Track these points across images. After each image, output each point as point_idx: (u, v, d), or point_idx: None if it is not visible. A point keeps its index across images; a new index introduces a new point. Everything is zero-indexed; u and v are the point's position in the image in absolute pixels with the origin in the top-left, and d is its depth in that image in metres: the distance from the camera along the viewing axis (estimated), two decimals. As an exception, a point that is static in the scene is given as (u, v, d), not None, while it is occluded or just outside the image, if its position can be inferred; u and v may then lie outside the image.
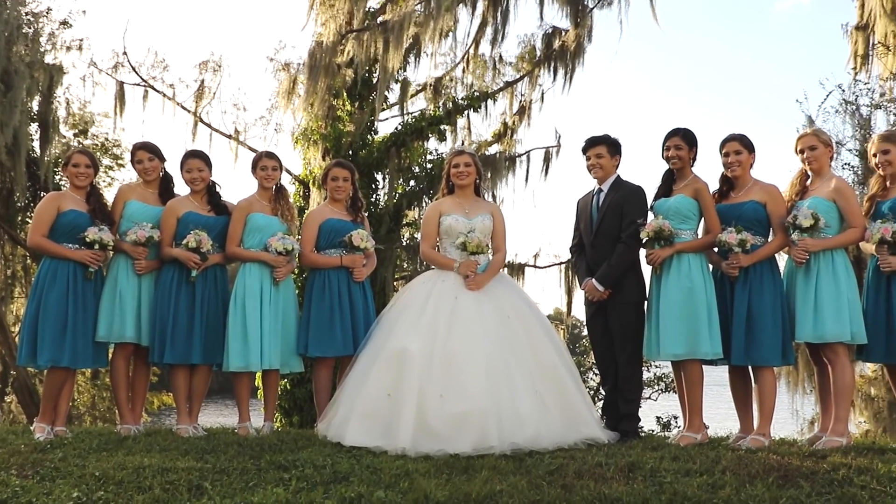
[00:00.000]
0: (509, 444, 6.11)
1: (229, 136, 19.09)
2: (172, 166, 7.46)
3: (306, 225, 7.43)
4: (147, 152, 7.38)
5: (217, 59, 19.63)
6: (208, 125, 19.10)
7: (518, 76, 19.04)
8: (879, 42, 14.72)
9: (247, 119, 21.84)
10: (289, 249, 7.16)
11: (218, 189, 7.44)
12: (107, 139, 21.64)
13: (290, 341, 7.27)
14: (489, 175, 17.88)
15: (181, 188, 7.46)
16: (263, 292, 7.15)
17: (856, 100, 15.62)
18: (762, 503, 4.77)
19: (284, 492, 5.08)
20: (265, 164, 7.43)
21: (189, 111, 19.09)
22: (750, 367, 6.65)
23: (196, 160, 7.35)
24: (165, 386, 20.92)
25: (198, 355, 7.08)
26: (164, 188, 7.43)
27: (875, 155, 6.72)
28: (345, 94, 18.06)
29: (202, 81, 19.28)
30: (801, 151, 6.74)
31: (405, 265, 19.39)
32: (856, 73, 15.45)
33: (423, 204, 18.26)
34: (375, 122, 18.50)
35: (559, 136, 19.03)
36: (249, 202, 7.36)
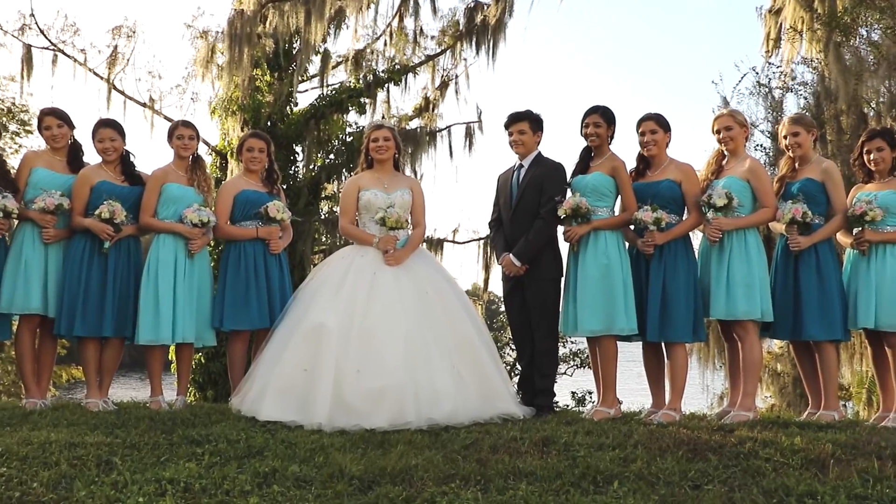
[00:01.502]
0: (426, 419, 6.12)
1: (144, 105, 18.63)
2: (84, 134, 7.25)
3: (220, 196, 7.30)
4: (55, 118, 7.13)
5: (131, 25, 19.13)
6: (122, 93, 18.61)
7: (440, 50, 18.99)
8: (790, 27, 15.06)
9: (162, 87, 21.30)
10: (204, 221, 7.01)
11: (132, 159, 7.24)
12: (13, 104, 20.94)
13: (205, 314, 7.15)
14: (410, 150, 17.84)
15: (91, 157, 7.25)
16: (178, 264, 7.01)
17: (768, 82, 15.99)
18: (672, 476, 4.86)
19: (197, 466, 5.00)
20: (181, 133, 7.25)
21: (102, 78, 18.56)
22: (663, 344, 6.77)
23: (108, 129, 7.14)
24: (75, 359, 20.45)
25: (109, 328, 6.90)
26: (73, 156, 7.19)
27: (785, 137, 6.89)
28: (264, 64, 17.79)
29: (115, 47, 18.76)
30: (718, 132, 6.86)
31: (324, 239, 19.25)
32: (768, 57, 15.80)
33: (343, 177, 18.14)
34: (295, 94, 18.27)
35: (480, 112, 19.09)
36: (165, 172, 7.19)
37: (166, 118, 18.32)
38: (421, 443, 5.61)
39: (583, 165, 6.98)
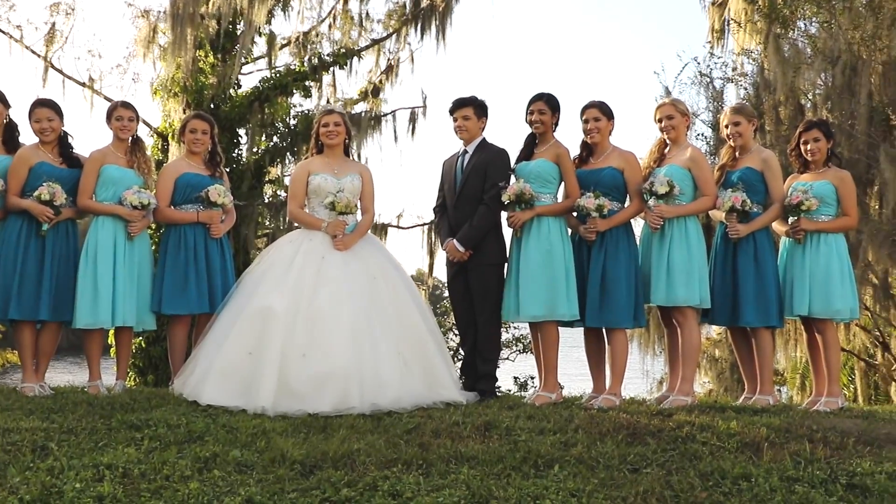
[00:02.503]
0: (370, 404, 6.13)
1: (83, 84, 18.22)
2: (20, 114, 7.07)
3: (161, 178, 7.20)
4: (-13, 97, 6.97)
5: (70, 2, 18.66)
6: (60, 71, 18.16)
7: (386, 34, 18.89)
8: (733, 19, 15.28)
9: (102, 67, 20.95)
10: (144, 204, 6.91)
11: (70, 140, 7.10)
12: (-55, 82, 20.34)
13: (145, 298, 7.05)
14: (354, 134, 17.76)
15: (27, 137, 7.09)
16: (117, 247, 6.90)
17: (710, 73, 16.20)
18: (611, 459, 4.92)
19: (136, 451, 4.94)
20: (120, 114, 7.13)
21: (39, 55, 18.10)
22: (604, 329, 6.85)
23: (45, 109, 6.98)
24: (10, 343, 20.05)
25: (46, 311, 6.76)
26: (9, 136, 7.02)
27: (727, 126, 7.00)
28: (207, 45, 17.54)
29: (53, 24, 18.29)
30: (660, 120, 6.93)
31: (267, 223, 19.09)
32: (711, 48, 16.00)
33: (287, 161, 18.00)
34: (239, 77, 18.05)
35: (425, 97, 19.03)
36: (103, 153, 7.06)
37: (106, 98, 17.95)
38: (363, 427, 5.61)
39: (527, 152, 7.01)
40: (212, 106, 17.02)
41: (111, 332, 7.40)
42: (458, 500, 4.37)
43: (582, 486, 4.53)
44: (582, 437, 5.32)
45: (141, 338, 15.89)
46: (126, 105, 7.21)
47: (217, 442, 5.17)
